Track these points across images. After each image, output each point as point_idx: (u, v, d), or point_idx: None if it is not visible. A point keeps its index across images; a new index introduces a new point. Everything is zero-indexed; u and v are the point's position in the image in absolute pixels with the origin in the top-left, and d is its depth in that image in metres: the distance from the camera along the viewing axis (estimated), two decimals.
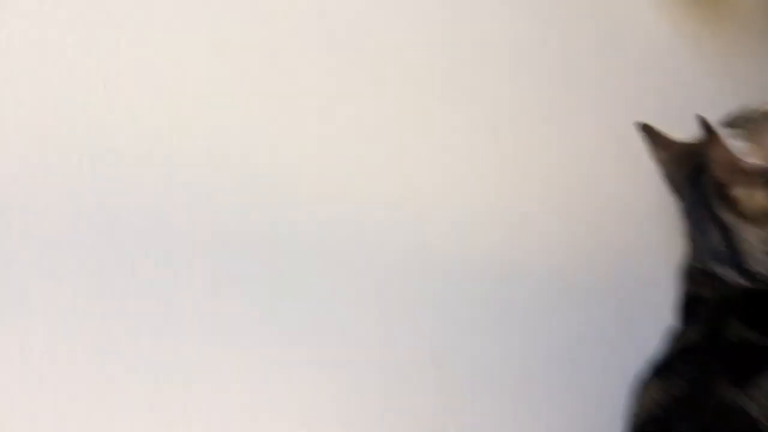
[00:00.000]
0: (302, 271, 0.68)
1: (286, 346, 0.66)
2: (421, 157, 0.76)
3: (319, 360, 0.67)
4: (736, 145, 0.68)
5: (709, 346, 0.62)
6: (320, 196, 0.70)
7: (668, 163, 0.78)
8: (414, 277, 0.73)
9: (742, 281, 0.68)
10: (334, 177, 0.71)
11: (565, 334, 0.79)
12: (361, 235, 0.72)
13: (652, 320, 0.75)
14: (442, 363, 0.72)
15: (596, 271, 0.83)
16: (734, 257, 0.68)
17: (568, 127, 0.85)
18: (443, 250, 0.74)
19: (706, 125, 0.67)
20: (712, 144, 0.68)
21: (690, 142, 0.74)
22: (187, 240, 0.63)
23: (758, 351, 0.60)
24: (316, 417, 0.67)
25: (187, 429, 0.61)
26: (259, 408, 0.65)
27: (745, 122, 0.73)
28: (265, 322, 0.66)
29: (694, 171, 0.73)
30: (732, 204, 0.69)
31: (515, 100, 0.82)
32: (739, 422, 0.55)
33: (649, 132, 0.78)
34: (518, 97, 0.82)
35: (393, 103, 0.75)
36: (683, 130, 0.75)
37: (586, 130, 0.86)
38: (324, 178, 0.70)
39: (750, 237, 0.67)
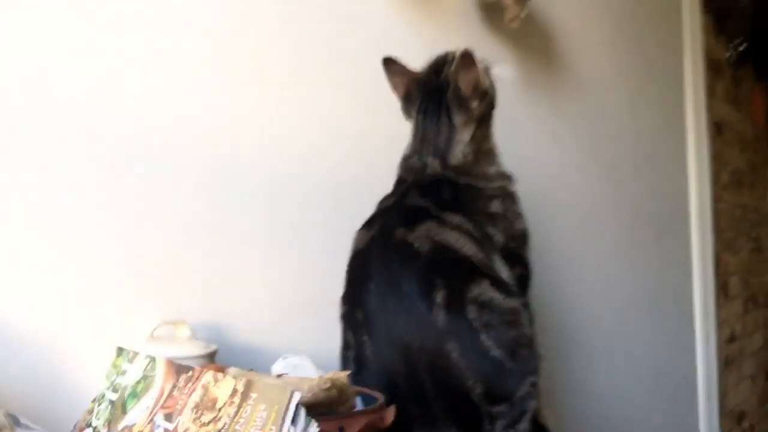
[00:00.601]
0: None
1: None
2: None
3: None
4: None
5: (396, 208, 0.94)
6: None
7: (408, 84, 1.04)
8: None
9: (439, 169, 0.98)
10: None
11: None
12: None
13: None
14: None
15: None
16: (445, 151, 0.99)
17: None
18: None
19: (470, 55, 0.98)
20: (469, 69, 0.98)
21: (426, 70, 1.04)
22: None
23: (422, 210, 0.91)
24: None
25: None
26: None
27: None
28: None
29: (436, 88, 1.01)
30: (467, 111, 1.00)
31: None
32: (407, 251, 0.86)
33: (391, 63, 1.05)
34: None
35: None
36: None
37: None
38: None
39: (462, 137, 0.99)
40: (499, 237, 0.95)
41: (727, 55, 3.03)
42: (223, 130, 1.00)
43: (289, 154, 1.09)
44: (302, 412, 0.52)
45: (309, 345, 0.98)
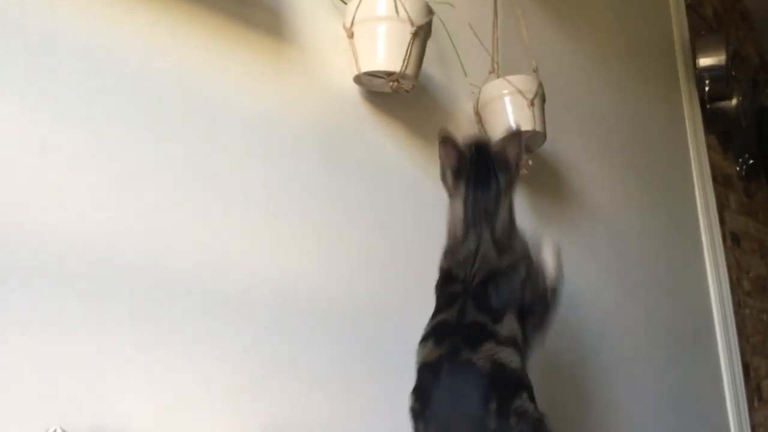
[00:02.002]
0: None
1: None
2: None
3: None
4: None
5: (459, 326, 1.11)
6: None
7: (459, 156, 1.20)
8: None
9: (492, 249, 1.15)
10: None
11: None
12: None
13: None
14: None
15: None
16: (494, 215, 1.17)
17: None
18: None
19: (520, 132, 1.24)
20: (519, 142, 1.22)
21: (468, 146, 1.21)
22: None
23: (480, 328, 1.10)
24: None
25: None
26: None
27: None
28: None
29: (483, 159, 1.20)
30: (511, 177, 1.21)
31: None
32: (472, 371, 1.07)
33: (447, 136, 1.21)
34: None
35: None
36: None
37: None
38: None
39: (506, 202, 1.19)
40: (528, 301, 1.17)
41: (737, 169, 3.25)
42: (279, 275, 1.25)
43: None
44: None
45: None
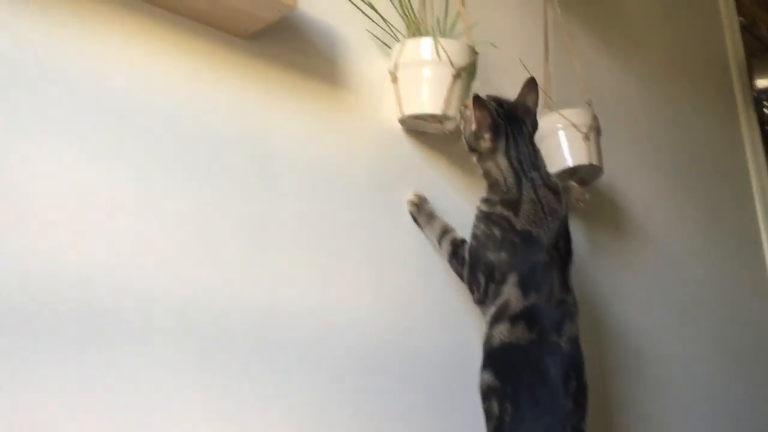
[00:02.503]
0: None
1: None
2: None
3: None
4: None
5: (547, 307, 1.18)
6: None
7: (492, 116, 1.26)
8: None
9: (549, 194, 1.26)
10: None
11: None
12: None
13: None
14: None
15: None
16: (539, 164, 1.29)
17: None
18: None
19: (535, 80, 1.35)
20: (535, 88, 1.34)
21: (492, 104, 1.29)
22: None
23: (565, 306, 1.20)
24: None
25: None
26: None
27: None
28: None
29: (514, 112, 1.30)
30: (536, 128, 1.34)
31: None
32: (556, 349, 1.16)
33: (480, 99, 1.26)
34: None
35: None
36: None
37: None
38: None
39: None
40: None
41: None
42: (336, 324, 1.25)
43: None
44: None
45: None
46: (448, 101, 1.30)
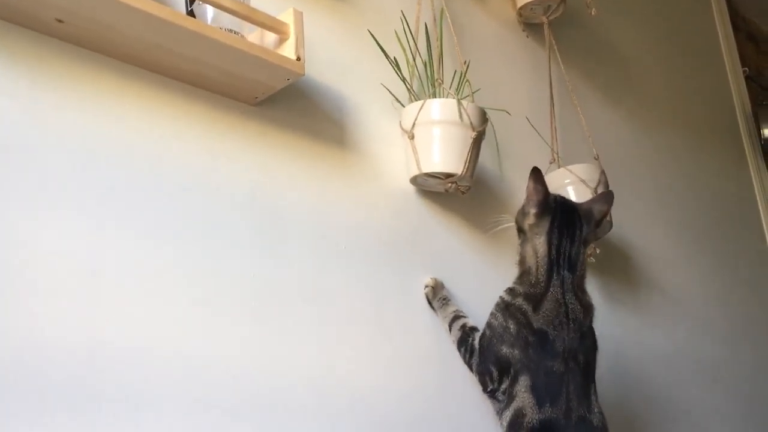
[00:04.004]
0: None
1: None
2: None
3: None
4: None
5: (566, 426, 1.10)
6: None
7: (545, 196, 1.22)
8: None
9: (576, 302, 1.18)
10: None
11: None
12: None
13: None
14: None
15: None
16: (575, 262, 1.20)
17: None
18: None
19: (612, 195, 1.31)
20: (608, 201, 1.30)
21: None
22: None
23: (586, 423, 1.13)
24: None
25: None
26: None
27: None
28: None
29: (569, 207, 1.25)
30: (591, 232, 1.26)
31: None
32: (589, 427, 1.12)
33: (538, 172, 1.24)
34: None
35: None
36: None
37: None
38: None
39: (584, 252, 1.25)
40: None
41: None
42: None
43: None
44: None
45: None
46: (467, 162, 1.32)
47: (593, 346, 1.21)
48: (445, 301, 1.34)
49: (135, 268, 0.99)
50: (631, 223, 1.93)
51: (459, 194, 1.40)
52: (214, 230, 1.10)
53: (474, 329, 1.27)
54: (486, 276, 1.46)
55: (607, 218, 1.60)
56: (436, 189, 1.42)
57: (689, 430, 1.85)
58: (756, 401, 2.15)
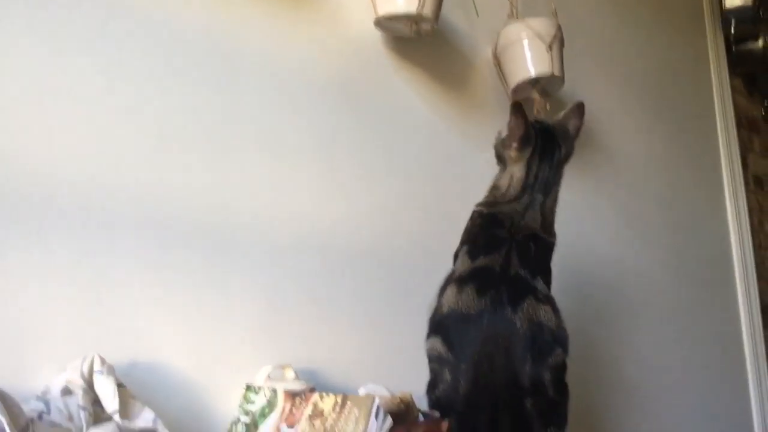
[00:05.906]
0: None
1: None
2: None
3: None
4: None
5: (502, 279, 1.13)
6: None
7: (526, 126, 1.24)
8: None
9: (539, 217, 1.22)
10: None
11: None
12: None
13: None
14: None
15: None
16: (551, 187, 1.25)
17: None
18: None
19: (583, 106, 1.33)
20: (581, 115, 1.33)
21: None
22: None
23: (523, 283, 1.14)
24: None
25: None
26: None
27: None
28: None
29: (547, 131, 1.27)
30: (568, 150, 1.30)
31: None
32: (512, 328, 1.09)
33: (519, 106, 1.25)
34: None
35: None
36: None
37: None
38: None
39: (561, 174, 1.28)
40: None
41: (763, 112, 3.21)
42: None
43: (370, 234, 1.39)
44: (381, 411, 0.79)
45: (383, 379, 1.25)
46: (423, 1, 1.31)
47: (545, 253, 1.23)
48: None
49: (90, 95, 1.01)
50: (583, 83, 1.95)
51: (425, 37, 1.41)
52: (171, 61, 1.11)
53: None
54: (436, 123, 1.50)
55: (559, 75, 1.63)
56: (404, 33, 1.43)
57: (620, 283, 1.98)
58: (688, 254, 2.29)
